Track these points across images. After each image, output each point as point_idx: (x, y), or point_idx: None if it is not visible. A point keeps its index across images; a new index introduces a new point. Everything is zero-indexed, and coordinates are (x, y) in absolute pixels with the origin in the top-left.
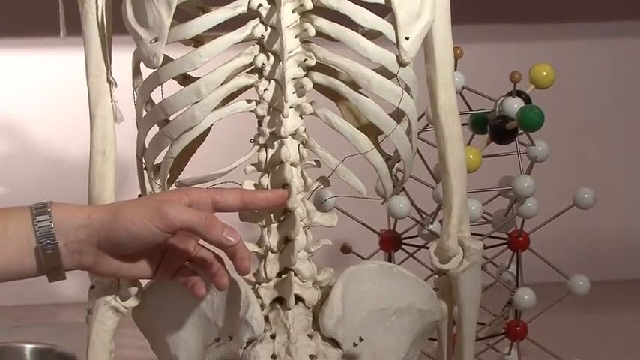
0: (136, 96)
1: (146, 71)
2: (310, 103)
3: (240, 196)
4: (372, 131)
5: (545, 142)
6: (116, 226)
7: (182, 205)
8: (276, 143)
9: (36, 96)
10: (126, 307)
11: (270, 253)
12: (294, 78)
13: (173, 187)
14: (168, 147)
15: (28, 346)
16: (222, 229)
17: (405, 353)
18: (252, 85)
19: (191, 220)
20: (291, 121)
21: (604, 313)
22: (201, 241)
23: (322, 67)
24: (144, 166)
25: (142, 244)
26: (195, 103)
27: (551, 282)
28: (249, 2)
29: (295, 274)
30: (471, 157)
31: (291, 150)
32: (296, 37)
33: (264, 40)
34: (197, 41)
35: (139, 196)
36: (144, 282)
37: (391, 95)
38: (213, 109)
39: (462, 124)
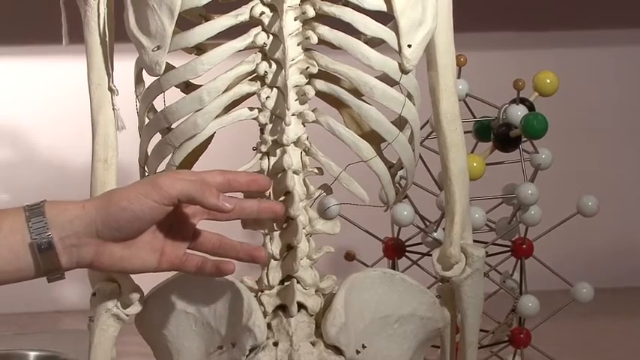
0: (138, 104)
1: (148, 79)
2: (312, 111)
3: (222, 174)
4: (374, 139)
5: (548, 150)
6: (113, 208)
7: (176, 176)
8: (278, 151)
9: (38, 103)
10: (127, 315)
11: (272, 260)
12: (296, 85)
13: None
14: (170, 155)
15: (32, 354)
16: (218, 194)
17: None
18: (254, 93)
19: (187, 188)
20: (293, 129)
21: (608, 320)
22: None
23: (324, 75)
24: (146, 173)
25: (142, 223)
26: (198, 110)
27: (554, 289)
28: (251, 10)
29: (298, 282)
30: (475, 164)
31: (293, 158)
32: (298, 44)
33: (267, 47)
34: (199, 49)
35: None
36: (146, 289)
37: (393, 103)
38: (216, 117)
39: (466, 132)
